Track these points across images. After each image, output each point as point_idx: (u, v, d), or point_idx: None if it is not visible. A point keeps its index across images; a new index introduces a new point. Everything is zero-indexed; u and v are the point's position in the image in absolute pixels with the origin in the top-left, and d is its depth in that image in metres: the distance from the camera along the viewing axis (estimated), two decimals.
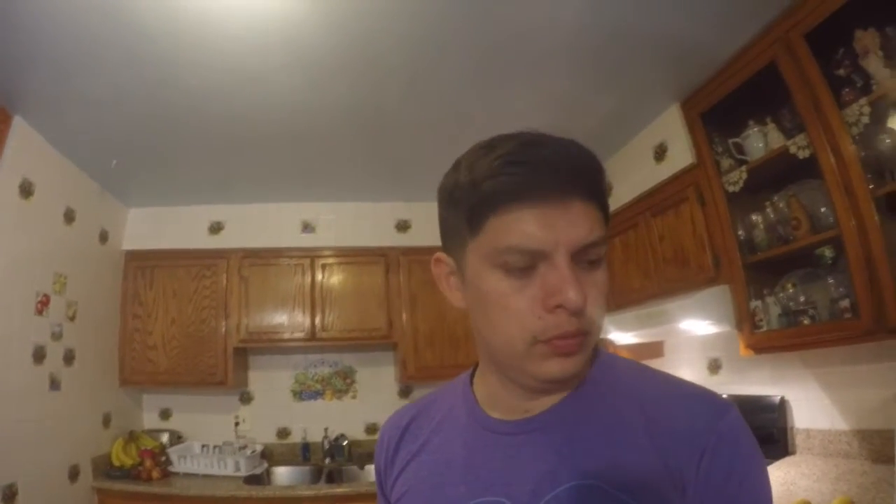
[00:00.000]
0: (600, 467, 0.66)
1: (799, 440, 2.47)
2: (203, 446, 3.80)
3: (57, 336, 3.04)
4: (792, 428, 2.50)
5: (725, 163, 2.52)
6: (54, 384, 2.99)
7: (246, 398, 4.19)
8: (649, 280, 3.00)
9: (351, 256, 4.08)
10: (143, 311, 3.86)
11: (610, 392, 0.73)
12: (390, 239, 4.14)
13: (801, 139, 2.09)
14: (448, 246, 0.77)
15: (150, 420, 4.07)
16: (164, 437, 3.81)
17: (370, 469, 3.61)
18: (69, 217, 3.21)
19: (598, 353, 0.77)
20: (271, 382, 4.25)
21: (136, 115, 2.73)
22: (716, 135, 2.58)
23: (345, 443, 3.92)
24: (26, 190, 2.77)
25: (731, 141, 2.45)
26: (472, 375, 0.88)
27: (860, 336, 1.92)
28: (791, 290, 2.29)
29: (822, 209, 2.11)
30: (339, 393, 4.28)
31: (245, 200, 4.06)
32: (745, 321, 2.40)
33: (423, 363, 3.94)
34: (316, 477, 3.74)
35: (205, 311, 3.91)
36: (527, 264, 0.65)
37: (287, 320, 3.95)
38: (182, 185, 3.75)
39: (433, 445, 0.82)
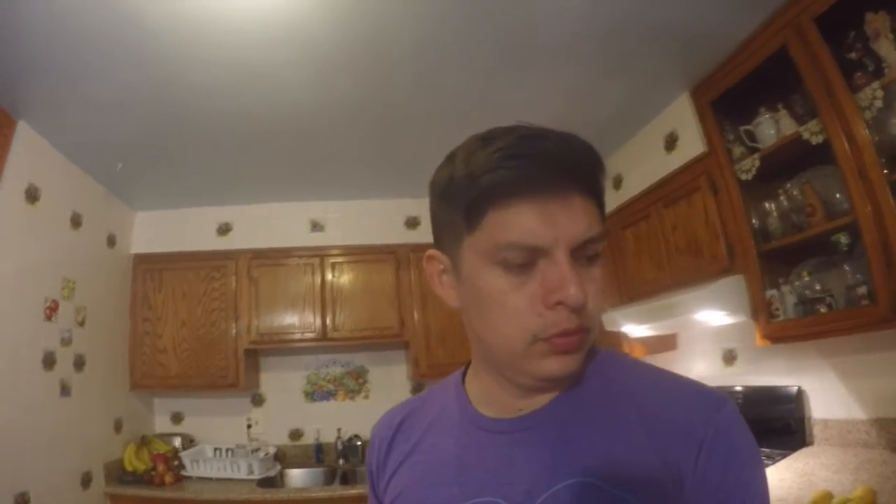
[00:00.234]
0: (596, 464, 0.66)
1: (816, 430, 2.48)
2: (216, 450, 3.84)
3: (66, 342, 3.08)
4: (809, 418, 2.50)
5: (737, 151, 2.52)
6: (65, 390, 3.03)
7: (258, 400, 4.24)
8: (662, 271, 3.00)
9: (360, 255, 4.10)
10: (152, 314, 3.90)
11: (605, 388, 0.74)
12: (400, 236, 4.16)
13: (813, 125, 2.09)
14: (441, 242, 0.76)
15: (161, 424, 4.12)
16: (177, 441, 3.85)
17: None
18: (76, 222, 3.25)
19: (592, 349, 0.76)
20: (283, 384, 4.29)
21: (141, 116, 2.76)
22: (727, 123, 2.59)
23: (358, 443, 3.95)
24: (32, 195, 2.81)
25: (742, 128, 2.46)
26: (464, 374, 0.87)
27: (877, 323, 1.92)
28: (807, 279, 2.30)
29: (837, 195, 2.11)
30: (352, 393, 4.31)
31: (253, 201, 4.08)
32: (761, 311, 2.41)
33: (436, 361, 3.95)
34: (330, 478, 3.77)
35: (214, 314, 3.94)
36: (526, 261, 0.65)
37: (298, 321, 3.98)
38: (189, 186, 3.78)
39: (426, 446, 0.82)
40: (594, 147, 0.68)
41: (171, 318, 3.91)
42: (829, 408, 2.44)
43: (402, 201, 4.14)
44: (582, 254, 0.66)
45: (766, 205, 2.44)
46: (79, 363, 3.19)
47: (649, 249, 3.14)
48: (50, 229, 3.00)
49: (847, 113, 1.93)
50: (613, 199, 3.45)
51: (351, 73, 2.51)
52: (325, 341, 3.99)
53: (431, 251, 0.78)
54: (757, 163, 2.40)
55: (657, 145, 3.04)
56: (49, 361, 2.91)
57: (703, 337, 3.17)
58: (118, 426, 3.61)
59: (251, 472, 3.53)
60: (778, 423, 2.54)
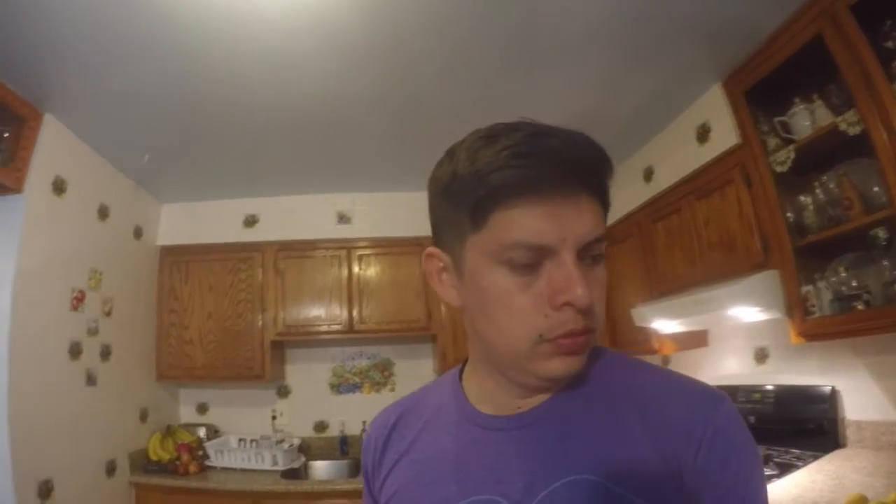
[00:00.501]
0: (596, 461, 0.67)
1: (850, 432, 2.44)
2: (240, 440, 3.93)
3: (93, 332, 3.18)
4: (843, 419, 2.47)
5: (772, 142, 2.49)
6: (91, 379, 3.13)
7: (283, 392, 4.32)
8: (694, 266, 2.98)
9: (387, 247, 4.14)
10: (179, 305, 4.01)
11: (604, 386, 0.74)
12: (427, 228, 4.11)
13: (850, 115, 2.05)
14: (442, 240, 0.76)
15: (187, 414, 4.23)
16: (202, 432, 3.95)
17: None
18: (103, 213, 3.35)
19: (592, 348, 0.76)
20: (309, 376, 4.36)
21: (167, 108, 2.82)
22: (760, 113, 2.55)
23: None
24: (59, 187, 2.90)
25: (776, 119, 2.42)
26: (461, 371, 0.88)
27: None
28: (843, 274, 2.26)
29: (875, 188, 2.07)
30: (378, 386, 4.37)
31: (279, 192, 4.15)
32: (796, 307, 2.38)
33: (463, 354, 3.85)
34: (354, 471, 3.83)
35: (241, 305, 4.03)
36: (532, 261, 0.65)
37: (324, 313, 4.05)
38: (215, 178, 3.85)
39: (422, 444, 0.82)
40: (601, 146, 0.67)
41: (198, 310, 4.01)
42: (863, 409, 2.41)
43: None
44: (587, 254, 0.67)
45: (802, 198, 2.40)
46: (105, 353, 3.29)
47: (681, 243, 3.11)
48: (77, 221, 3.09)
49: (885, 103, 1.90)
50: (644, 192, 3.44)
51: (375, 63, 2.53)
52: (351, 333, 4.05)
53: (431, 249, 0.78)
54: (792, 154, 2.36)
55: (689, 137, 3.01)
56: (75, 351, 3.00)
57: (735, 334, 3.14)
58: (144, 416, 3.72)
59: (275, 463, 3.61)
60: (810, 423, 2.51)
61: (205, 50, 2.35)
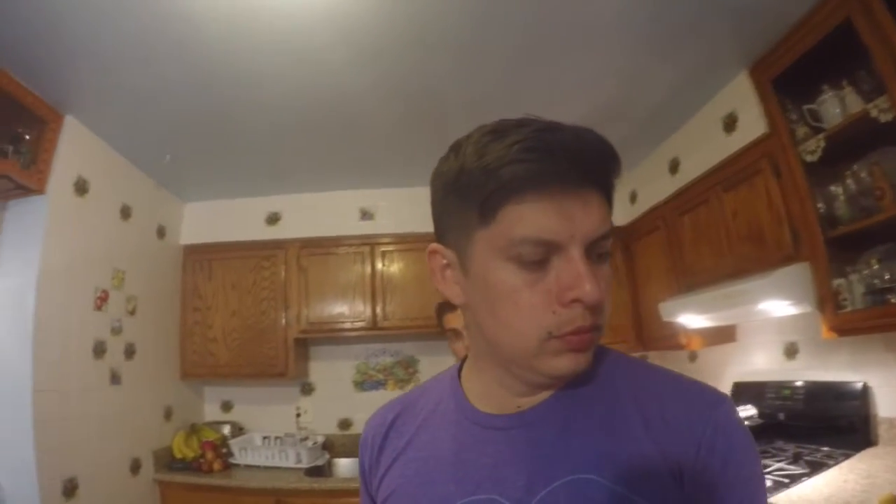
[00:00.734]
0: (596, 461, 0.68)
1: (882, 430, 2.39)
2: (264, 438, 3.98)
3: (117, 331, 3.25)
4: (874, 416, 2.42)
5: (800, 131, 2.44)
6: (115, 378, 3.20)
7: (307, 389, 4.36)
8: (723, 259, 2.94)
9: (411, 243, 4.14)
10: (202, 304, 4.07)
11: (604, 386, 0.75)
12: None
13: (881, 101, 2.00)
14: (447, 236, 0.76)
15: (211, 412, 4.30)
16: (226, 429, 4.01)
17: None
18: (126, 213, 3.41)
19: None
20: (332, 373, 4.40)
21: (187, 107, 2.86)
22: (788, 102, 2.51)
23: None
24: (81, 188, 2.97)
25: (805, 107, 2.38)
26: (460, 369, 0.88)
27: None
28: (876, 267, 2.21)
29: None
30: (402, 383, 4.38)
31: (301, 190, 4.19)
32: (828, 301, 2.33)
33: None
34: None
35: (264, 303, 4.07)
36: (541, 257, 0.65)
37: (347, 310, 4.07)
38: (237, 176, 3.90)
39: (420, 442, 0.82)
40: (610, 142, 0.67)
41: (222, 308, 4.06)
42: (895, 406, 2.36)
43: None
44: (594, 251, 0.67)
45: (833, 188, 2.36)
46: (129, 352, 3.36)
47: (708, 236, 3.07)
48: (100, 221, 3.16)
49: None
50: (670, 185, 3.40)
51: (392, 57, 2.53)
52: (374, 330, 4.07)
53: (434, 245, 0.78)
54: (822, 143, 2.31)
55: (715, 127, 2.97)
56: (99, 350, 3.07)
57: (764, 329, 3.10)
58: (168, 414, 3.79)
59: (299, 461, 3.64)
60: (841, 421, 2.47)
61: (222, 48, 2.37)
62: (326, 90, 2.79)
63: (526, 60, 2.62)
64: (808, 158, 2.38)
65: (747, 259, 2.76)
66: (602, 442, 0.69)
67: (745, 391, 3.06)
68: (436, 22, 2.31)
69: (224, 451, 3.76)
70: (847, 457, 2.30)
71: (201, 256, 4.15)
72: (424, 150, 3.60)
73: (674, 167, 3.39)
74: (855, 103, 2.19)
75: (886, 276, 2.15)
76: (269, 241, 4.18)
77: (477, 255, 0.70)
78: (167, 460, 3.63)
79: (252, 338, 4.02)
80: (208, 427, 3.99)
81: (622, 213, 4.09)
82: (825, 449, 2.45)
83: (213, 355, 3.99)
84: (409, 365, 4.42)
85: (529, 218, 0.64)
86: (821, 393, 2.61)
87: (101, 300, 3.12)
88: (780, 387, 2.83)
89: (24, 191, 2.67)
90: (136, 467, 3.33)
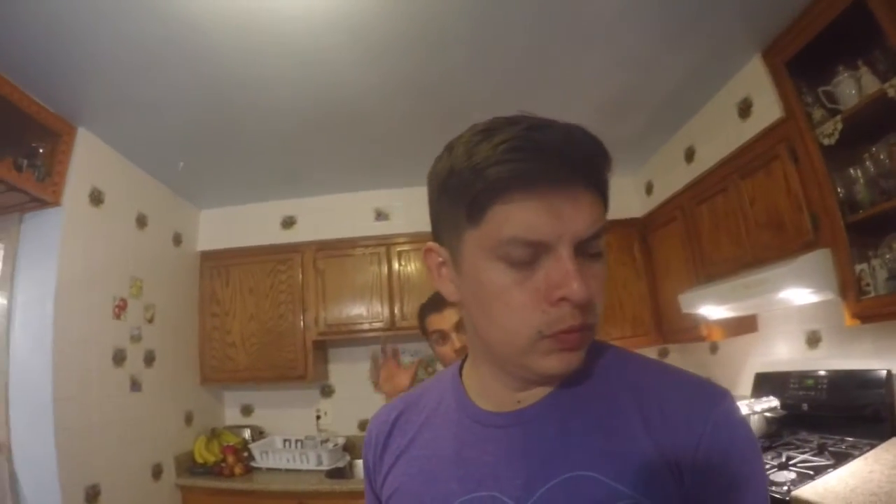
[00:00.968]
0: (595, 458, 0.68)
1: None
2: (285, 441, 4.02)
3: (136, 339, 3.29)
4: None
5: (817, 114, 2.40)
6: (135, 385, 3.25)
7: (327, 391, 4.38)
8: (742, 248, 2.91)
9: (427, 241, 4.11)
10: (220, 309, 4.11)
11: (603, 382, 0.75)
12: None
13: None
14: (441, 235, 0.77)
15: (231, 416, 4.34)
16: (246, 433, 4.05)
17: None
18: (141, 222, 3.46)
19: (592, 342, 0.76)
20: (352, 374, 4.40)
21: (197, 114, 2.89)
22: (804, 84, 2.47)
23: None
24: (96, 198, 3.02)
25: (820, 90, 2.34)
26: (461, 367, 0.89)
27: None
28: None
29: None
30: (421, 382, 4.36)
31: (315, 192, 4.21)
32: (850, 288, 2.29)
33: None
34: None
35: (282, 307, 4.10)
36: (530, 256, 0.65)
37: (365, 311, 4.08)
38: (251, 181, 3.93)
39: (423, 440, 0.83)
40: (600, 139, 0.67)
41: (240, 313, 4.10)
42: None
43: None
44: (585, 250, 0.67)
45: (852, 171, 2.32)
46: (148, 359, 3.40)
47: (727, 225, 3.04)
48: (116, 231, 3.21)
49: None
50: (686, 174, 3.37)
51: (400, 52, 2.52)
52: (393, 331, 4.07)
53: (430, 244, 0.79)
54: (839, 126, 2.27)
55: (730, 113, 2.93)
56: (119, 358, 3.12)
57: (786, 318, 3.06)
58: (189, 419, 3.83)
59: (320, 463, 3.67)
60: (866, 409, 2.43)
61: (230, 54, 2.39)
62: (335, 90, 2.79)
63: (537, 54, 2.61)
64: (826, 142, 2.34)
65: (767, 247, 2.72)
66: (600, 439, 0.69)
67: (767, 382, 3.02)
68: (444, 17, 2.29)
69: (245, 454, 3.79)
70: (872, 447, 2.27)
71: (218, 262, 4.19)
72: (438, 149, 3.61)
73: (689, 156, 3.35)
74: (871, 84, 2.15)
75: None
76: (285, 245, 4.21)
77: (468, 255, 0.70)
78: (188, 465, 3.68)
79: (271, 341, 4.04)
80: (229, 431, 4.03)
81: (638, 205, 4.07)
82: (850, 439, 2.42)
83: (233, 360, 4.03)
84: (429, 364, 4.41)
85: (517, 218, 0.64)
86: (844, 382, 2.58)
87: (120, 309, 3.17)
88: (803, 377, 2.79)
89: (40, 203, 2.72)
90: (157, 473, 3.37)
